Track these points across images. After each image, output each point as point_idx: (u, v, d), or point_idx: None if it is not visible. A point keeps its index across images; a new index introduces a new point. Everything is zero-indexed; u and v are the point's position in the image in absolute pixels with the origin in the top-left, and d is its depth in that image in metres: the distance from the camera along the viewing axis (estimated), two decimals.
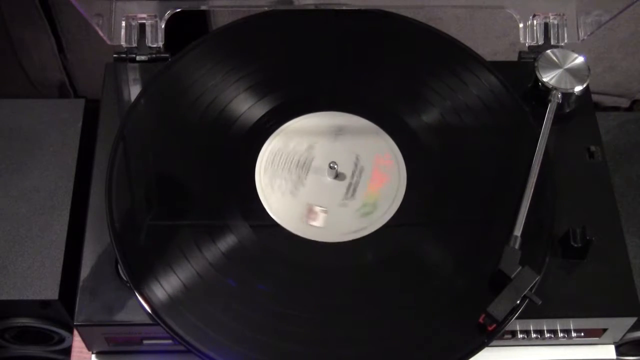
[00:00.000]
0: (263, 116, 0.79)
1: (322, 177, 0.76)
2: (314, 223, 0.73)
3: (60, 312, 0.83)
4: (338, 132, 0.79)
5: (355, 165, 0.77)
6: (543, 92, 0.80)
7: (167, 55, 0.83)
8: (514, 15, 0.86)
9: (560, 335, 0.73)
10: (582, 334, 0.73)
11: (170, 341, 0.72)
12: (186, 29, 0.91)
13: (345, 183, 0.76)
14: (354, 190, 0.75)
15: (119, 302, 0.70)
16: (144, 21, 0.84)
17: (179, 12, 0.84)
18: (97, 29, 0.81)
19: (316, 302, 0.69)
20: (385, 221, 0.73)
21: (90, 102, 0.94)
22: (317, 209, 0.73)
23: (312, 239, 0.72)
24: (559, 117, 0.79)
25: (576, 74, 0.80)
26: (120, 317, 0.69)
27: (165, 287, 0.68)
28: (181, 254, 0.70)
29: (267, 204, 0.74)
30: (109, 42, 0.83)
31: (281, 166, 0.77)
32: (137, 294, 0.68)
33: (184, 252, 0.70)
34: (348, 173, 0.76)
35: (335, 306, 0.69)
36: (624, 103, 1.13)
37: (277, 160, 0.77)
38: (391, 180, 0.75)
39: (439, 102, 0.80)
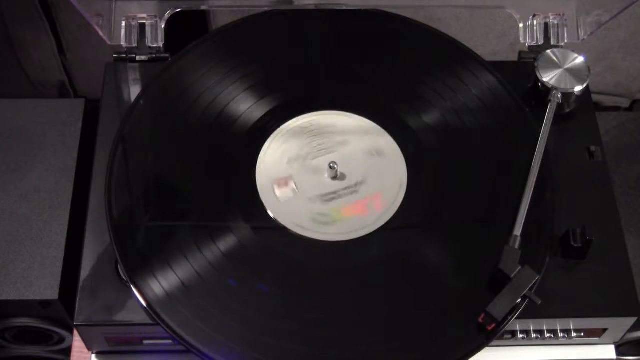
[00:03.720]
0: (263, 116, 0.79)
1: (322, 177, 0.76)
2: (278, 191, 0.73)
3: (60, 312, 0.83)
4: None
5: (356, 183, 0.77)
6: (543, 92, 0.80)
7: (167, 55, 0.83)
8: (514, 15, 0.86)
9: (560, 335, 0.73)
10: (582, 334, 0.73)
11: (170, 341, 0.72)
12: (186, 29, 0.91)
13: (342, 185, 0.76)
14: (332, 200, 0.75)
15: (119, 302, 0.70)
16: (144, 21, 0.84)
17: (179, 12, 0.84)
18: (97, 29, 0.81)
19: (316, 302, 0.69)
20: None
21: (90, 102, 0.94)
22: (292, 184, 0.73)
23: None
24: (559, 117, 0.79)
25: (576, 74, 0.80)
26: (120, 317, 0.69)
27: (165, 287, 0.68)
28: (181, 254, 0.70)
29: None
30: (109, 42, 0.83)
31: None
32: (137, 294, 0.68)
33: (184, 252, 0.70)
34: (348, 175, 0.76)
35: (335, 306, 0.69)
36: (624, 103, 1.13)
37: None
38: (368, 216, 0.74)
39: (439, 102, 0.80)
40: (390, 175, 0.76)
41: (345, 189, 0.76)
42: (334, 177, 0.76)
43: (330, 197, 0.75)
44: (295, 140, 0.78)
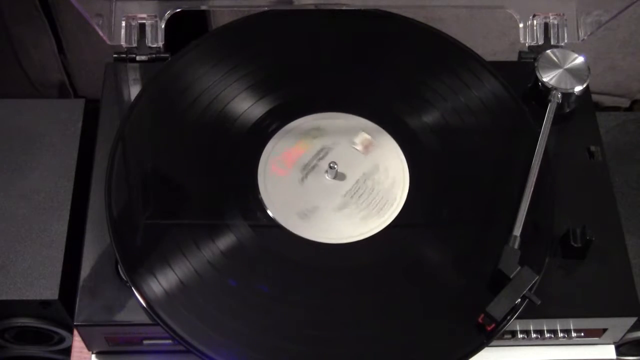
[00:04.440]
0: (263, 116, 0.79)
1: (323, 177, 0.76)
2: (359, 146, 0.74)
3: (60, 312, 0.83)
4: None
5: (356, 167, 0.77)
6: (543, 92, 0.80)
7: (167, 55, 0.83)
8: (514, 15, 0.86)
9: (560, 335, 0.73)
10: (582, 334, 0.73)
11: (170, 341, 0.72)
12: (186, 29, 0.91)
13: (345, 184, 0.76)
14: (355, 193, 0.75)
15: (119, 302, 0.70)
16: (144, 21, 0.84)
17: (179, 12, 0.84)
18: (97, 29, 0.81)
19: (316, 302, 0.69)
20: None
21: (90, 102, 0.94)
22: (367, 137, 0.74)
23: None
24: (559, 117, 0.79)
25: (576, 74, 0.80)
26: (120, 317, 0.69)
27: (165, 287, 0.68)
28: (181, 254, 0.70)
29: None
30: (109, 42, 0.83)
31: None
32: (136, 294, 0.68)
33: (184, 252, 0.70)
34: (348, 174, 0.76)
35: (335, 306, 0.69)
36: (624, 103, 1.13)
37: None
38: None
39: (439, 102, 0.80)
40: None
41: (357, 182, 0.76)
42: (334, 177, 0.76)
43: (353, 192, 0.75)
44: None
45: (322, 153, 0.77)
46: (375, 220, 0.73)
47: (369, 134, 0.77)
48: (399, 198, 0.75)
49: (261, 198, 0.74)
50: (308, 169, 0.76)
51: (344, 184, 0.76)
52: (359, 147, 0.76)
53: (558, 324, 0.73)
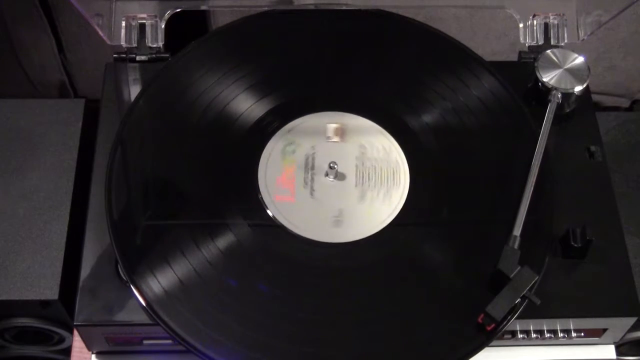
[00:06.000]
0: (263, 116, 0.79)
1: (323, 177, 0.76)
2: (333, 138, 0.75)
3: (60, 312, 0.83)
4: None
5: (357, 167, 0.77)
6: (543, 92, 0.80)
7: (167, 55, 0.83)
8: (514, 15, 0.86)
9: (560, 335, 0.73)
10: (582, 334, 0.74)
11: (170, 341, 0.72)
12: (186, 29, 0.91)
13: (345, 184, 0.76)
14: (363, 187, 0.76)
15: (119, 302, 0.70)
16: (144, 21, 0.84)
17: (179, 12, 0.84)
18: (97, 29, 0.81)
19: (316, 302, 0.69)
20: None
21: (90, 102, 0.94)
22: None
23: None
24: (559, 117, 0.79)
25: (576, 74, 0.80)
26: (120, 317, 0.69)
27: (165, 286, 0.68)
28: (181, 254, 0.70)
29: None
30: (109, 42, 0.83)
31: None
32: (136, 294, 0.68)
33: (184, 252, 0.70)
34: (348, 174, 0.76)
35: (336, 306, 0.69)
36: (624, 103, 1.13)
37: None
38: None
39: (439, 102, 0.80)
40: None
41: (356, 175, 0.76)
42: (334, 177, 0.76)
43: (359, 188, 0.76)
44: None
45: (309, 162, 0.77)
46: (396, 192, 0.74)
47: (334, 122, 0.77)
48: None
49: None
50: (309, 182, 0.76)
51: (348, 177, 0.76)
52: (335, 139, 0.76)
53: (558, 324, 0.73)
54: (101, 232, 0.72)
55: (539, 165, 0.74)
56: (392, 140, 0.78)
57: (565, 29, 0.85)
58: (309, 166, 0.77)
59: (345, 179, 0.76)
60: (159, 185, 0.75)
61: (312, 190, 0.76)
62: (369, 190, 0.75)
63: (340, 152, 0.77)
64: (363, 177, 0.76)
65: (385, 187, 0.75)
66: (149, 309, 0.67)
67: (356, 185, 0.76)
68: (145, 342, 0.72)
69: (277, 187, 0.75)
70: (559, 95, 0.79)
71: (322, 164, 0.76)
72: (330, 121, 0.79)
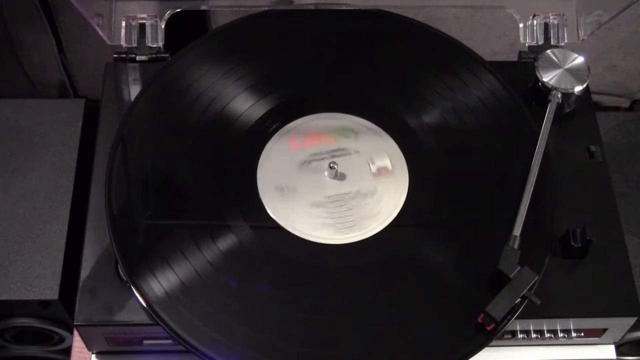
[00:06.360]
0: (263, 116, 0.79)
1: (323, 177, 0.76)
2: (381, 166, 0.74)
3: (60, 312, 0.83)
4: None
5: (357, 166, 0.77)
6: (543, 92, 0.80)
7: (167, 55, 0.83)
8: (514, 15, 0.86)
9: (560, 335, 0.73)
10: (582, 334, 0.74)
11: (170, 341, 0.72)
12: (186, 29, 0.91)
13: (345, 184, 0.76)
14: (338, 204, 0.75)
15: (119, 302, 0.70)
16: (144, 21, 0.84)
17: (179, 12, 0.84)
18: (97, 29, 0.81)
19: (316, 302, 0.69)
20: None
21: (90, 102, 0.94)
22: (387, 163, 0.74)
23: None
24: (559, 117, 0.79)
25: (576, 74, 0.80)
26: (120, 317, 0.69)
27: (165, 287, 0.68)
28: (181, 254, 0.70)
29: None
30: (109, 42, 0.83)
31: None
32: (136, 294, 0.68)
33: (184, 252, 0.70)
34: (348, 174, 0.76)
35: (335, 307, 0.69)
36: (624, 103, 1.13)
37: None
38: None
39: (439, 102, 0.80)
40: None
41: (348, 194, 0.76)
42: (334, 177, 0.76)
43: (335, 200, 0.75)
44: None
45: (338, 152, 0.77)
46: (328, 233, 0.73)
47: (392, 163, 0.76)
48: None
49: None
50: (315, 157, 0.76)
51: (332, 188, 0.75)
52: (373, 168, 0.76)
53: (558, 324, 0.73)
54: (101, 232, 0.72)
55: (539, 165, 0.74)
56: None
57: (565, 29, 0.85)
58: (333, 153, 0.77)
59: (345, 179, 0.76)
60: (159, 185, 0.75)
61: (308, 162, 0.76)
62: (324, 210, 0.75)
63: (360, 174, 0.77)
64: (363, 177, 0.76)
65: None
66: (149, 309, 0.67)
67: (327, 197, 0.75)
68: (145, 342, 0.72)
69: (304, 133, 0.76)
70: (559, 95, 0.79)
71: (322, 164, 0.76)
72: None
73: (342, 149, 0.78)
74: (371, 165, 0.77)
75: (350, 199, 0.75)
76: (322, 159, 0.77)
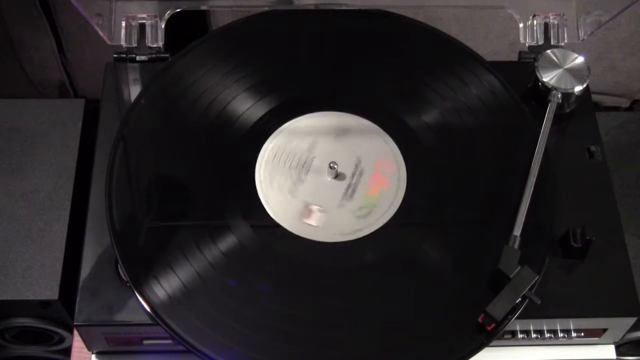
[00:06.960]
0: (263, 116, 0.79)
1: (322, 177, 0.76)
2: (310, 221, 0.73)
3: (60, 312, 0.83)
4: (339, 132, 0.79)
5: (356, 166, 0.77)
6: (543, 92, 0.80)
7: (167, 55, 0.83)
8: (514, 15, 0.86)
9: (560, 335, 0.73)
10: (582, 334, 0.73)
11: (170, 341, 0.72)
12: (186, 29, 0.91)
13: (344, 183, 0.76)
14: (353, 192, 0.75)
15: (119, 302, 0.70)
16: (144, 21, 0.84)
17: (179, 12, 0.84)
18: (97, 29, 0.81)
19: (316, 302, 0.69)
20: (385, 221, 0.73)
21: (90, 102, 0.94)
22: (315, 207, 0.73)
23: (312, 239, 0.72)
24: (559, 117, 0.79)
25: (576, 74, 0.80)
26: (120, 317, 0.69)
27: (165, 287, 0.68)
28: (181, 254, 0.70)
29: (267, 203, 0.74)
30: (109, 42, 0.83)
31: (281, 166, 0.77)
32: (137, 294, 0.68)
33: (184, 252, 0.70)
34: (348, 173, 0.76)
35: (335, 306, 0.69)
36: (624, 103, 1.13)
37: (278, 160, 0.77)
38: (391, 183, 0.75)
39: (439, 102, 0.80)
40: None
41: (353, 175, 0.76)
42: (335, 177, 0.76)
43: (349, 192, 0.75)
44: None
45: (308, 162, 0.77)
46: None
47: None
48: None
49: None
50: (315, 157, 0.76)
51: (343, 184, 0.76)
52: (373, 168, 0.76)
53: (558, 324, 0.73)
54: (101, 232, 0.72)
55: (539, 165, 0.74)
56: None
57: (565, 29, 0.85)
58: (309, 166, 0.77)
59: (345, 179, 0.76)
60: (159, 185, 0.75)
61: (312, 190, 0.76)
62: (369, 190, 0.75)
63: (340, 152, 0.77)
64: (363, 177, 0.76)
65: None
66: (149, 309, 0.67)
67: (356, 185, 0.75)
68: (145, 342, 0.72)
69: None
70: (559, 95, 0.79)
71: (321, 164, 0.76)
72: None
73: (342, 149, 0.78)
74: (371, 165, 0.77)
75: (350, 198, 0.75)
76: (322, 159, 0.77)
